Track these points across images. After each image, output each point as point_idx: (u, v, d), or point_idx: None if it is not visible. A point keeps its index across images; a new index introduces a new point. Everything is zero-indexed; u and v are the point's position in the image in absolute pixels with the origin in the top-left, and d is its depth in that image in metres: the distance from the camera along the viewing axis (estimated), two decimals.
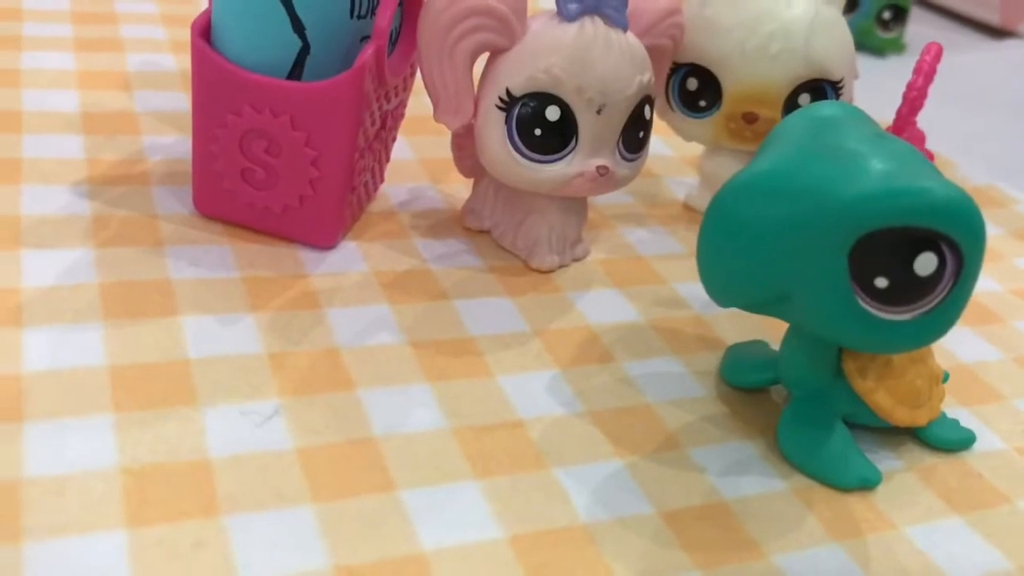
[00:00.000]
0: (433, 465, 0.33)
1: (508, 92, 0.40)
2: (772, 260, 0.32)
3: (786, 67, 0.45)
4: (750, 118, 0.46)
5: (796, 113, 0.35)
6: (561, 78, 0.39)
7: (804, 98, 0.46)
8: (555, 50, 0.40)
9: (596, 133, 0.41)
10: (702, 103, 0.47)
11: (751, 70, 0.45)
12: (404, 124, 0.48)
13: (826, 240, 0.31)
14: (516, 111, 0.40)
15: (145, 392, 0.34)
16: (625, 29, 0.41)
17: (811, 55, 0.45)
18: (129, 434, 0.32)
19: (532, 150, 0.41)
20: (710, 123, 0.47)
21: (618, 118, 0.41)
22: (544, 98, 0.40)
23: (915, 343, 0.33)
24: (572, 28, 0.40)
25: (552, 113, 0.40)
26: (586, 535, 0.32)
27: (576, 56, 0.39)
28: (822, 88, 0.46)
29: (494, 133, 0.41)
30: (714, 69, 0.46)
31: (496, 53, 0.41)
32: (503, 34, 0.40)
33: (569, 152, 0.41)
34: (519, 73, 0.40)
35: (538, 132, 0.40)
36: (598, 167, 0.41)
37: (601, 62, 0.40)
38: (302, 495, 0.31)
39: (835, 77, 0.46)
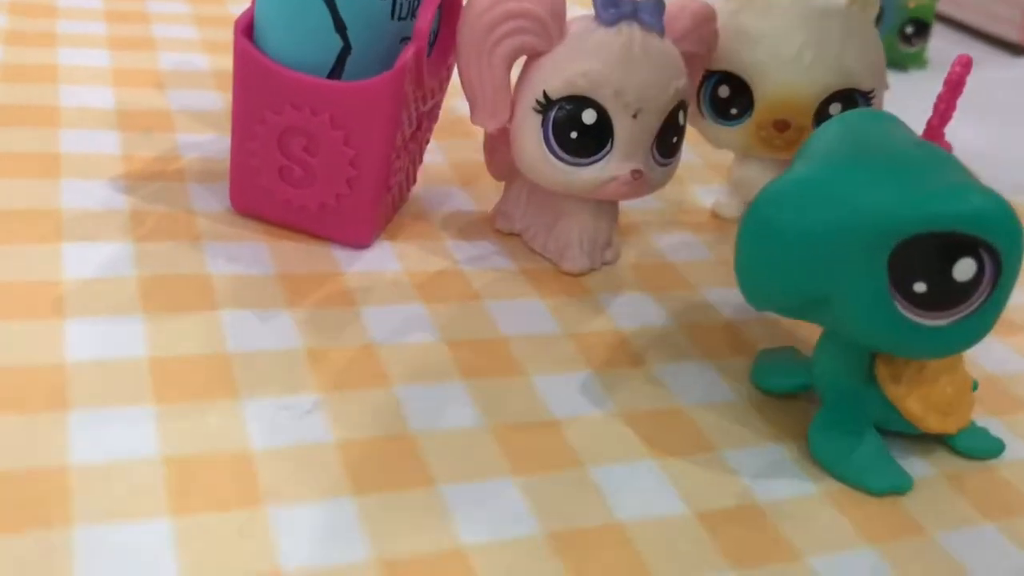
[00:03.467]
0: (471, 461, 0.33)
1: (545, 95, 0.40)
2: (811, 265, 0.32)
3: (818, 76, 0.45)
4: (781, 126, 0.46)
5: (833, 120, 0.35)
6: (599, 82, 0.40)
7: (835, 107, 0.46)
8: (593, 54, 0.40)
9: (631, 137, 0.41)
10: (733, 110, 0.48)
11: (783, 78, 0.46)
12: (436, 127, 0.48)
13: (865, 245, 0.31)
14: (553, 114, 0.41)
15: (186, 384, 0.34)
16: (662, 34, 0.41)
17: (844, 64, 0.45)
18: (171, 425, 0.32)
19: (568, 153, 0.41)
20: (741, 131, 0.48)
21: (653, 123, 0.41)
22: (581, 101, 0.40)
23: (951, 348, 0.33)
24: (610, 32, 0.40)
25: (588, 116, 0.40)
26: (622, 533, 0.32)
27: (614, 60, 0.40)
28: (853, 98, 0.46)
29: (530, 135, 0.41)
30: (746, 77, 0.46)
31: (534, 56, 0.41)
32: (541, 37, 0.40)
33: (604, 155, 0.41)
34: (557, 76, 0.40)
35: (574, 135, 0.41)
36: (632, 171, 0.41)
37: (638, 67, 0.40)
38: (343, 488, 0.31)
39: (866, 87, 0.46)
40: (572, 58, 0.40)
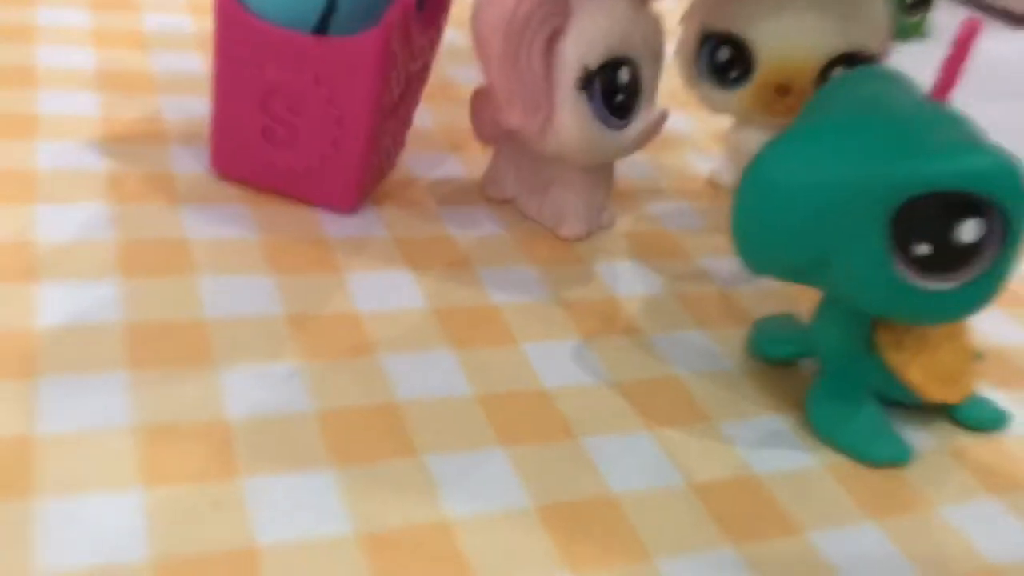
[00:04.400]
0: (458, 432, 0.32)
1: (586, 69, 0.39)
2: (810, 224, 0.31)
3: (822, 39, 0.44)
4: (782, 90, 0.45)
5: (839, 77, 0.34)
6: (630, 38, 0.40)
7: (838, 71, 0.45)
8: (611, 16, 0.40)
9: (652, 82, 0.42)
10: (733, 74, 0.46)
11: (786, 41, 0.44)
12: (425, 90, 0.46)
13: (867, 204, 0.30)
14: (596, 85, 0.40)
15: (161, 351, 0.33)
16: None
17: (847, 28, 0.44)
18: (145, 392, 0.31)
19: (619, 117, 0.41)
20: (740, 95, 0.46)
21: (662, 61, 0.42)
22: (615, 63, 0.40)
23: (954, 314, 0.32)
24: None
25: (624, 75, 0.41)
26: (615, 506, 0.31)
27: (629, 15, 0.40)
28: (857, 62, 0.45)
29: (577, 117, 0.40)
30: (747, 39, 0.45)
31: (553, 38, 0.39)
32: (565, 14, 0.39)
33: (640, 107, 0.42)
34: (593, 48, 0.39)
35: (620, 98, 0.41)
36: (662, 112, 0.42)
37: (641, 14, 0.41)
38: (323, 459, 0.30)
39: (871, 51, 0.45)
40: (597, 26, 0.39)
